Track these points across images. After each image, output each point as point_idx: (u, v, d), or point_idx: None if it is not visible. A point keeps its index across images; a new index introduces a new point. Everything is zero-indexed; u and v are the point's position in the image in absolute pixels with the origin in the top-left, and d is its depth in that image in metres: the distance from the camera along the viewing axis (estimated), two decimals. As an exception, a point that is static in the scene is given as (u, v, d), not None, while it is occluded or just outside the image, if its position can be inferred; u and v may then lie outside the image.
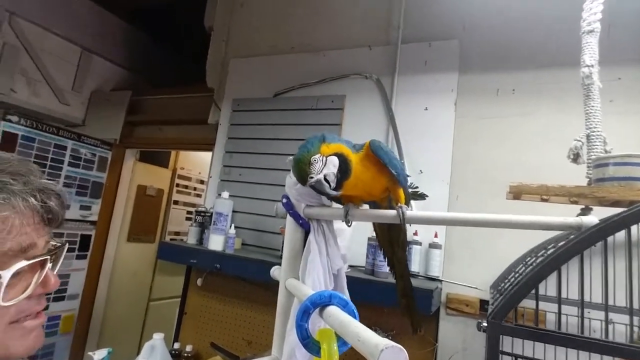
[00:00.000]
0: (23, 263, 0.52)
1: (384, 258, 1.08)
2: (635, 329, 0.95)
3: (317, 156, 0.82)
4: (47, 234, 0.58)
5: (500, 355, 0.73)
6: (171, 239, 3.41)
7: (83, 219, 2.82)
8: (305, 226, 0.98)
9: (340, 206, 0.94)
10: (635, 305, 0.89)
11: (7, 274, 0.50)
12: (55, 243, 0.60)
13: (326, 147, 0.83)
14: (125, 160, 3.17)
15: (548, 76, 1.62)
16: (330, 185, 0.82)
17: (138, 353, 2.61)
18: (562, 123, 1.54)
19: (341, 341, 0.66)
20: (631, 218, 0.69)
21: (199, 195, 3.79)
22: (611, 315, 1.03)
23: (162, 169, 3.52)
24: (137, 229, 3.28)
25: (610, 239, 0.72)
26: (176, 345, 2.02)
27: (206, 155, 3.38)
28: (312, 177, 0.81)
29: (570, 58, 1.28)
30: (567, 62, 1.52)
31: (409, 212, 0.87)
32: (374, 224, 1.12)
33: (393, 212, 0.88)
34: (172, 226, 3.56)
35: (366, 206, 1.00)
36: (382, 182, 0.89)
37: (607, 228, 0.70)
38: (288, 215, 1.00)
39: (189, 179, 3.74)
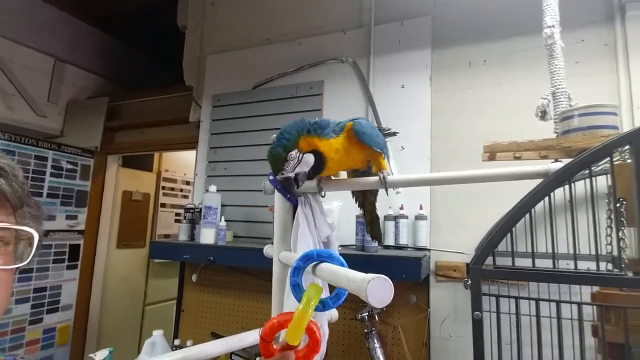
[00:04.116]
0: None
1: (356, 202, 1.18)
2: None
3: (294, 152, 0.82)
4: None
5: (483, 297, 0.78)
6: (162, 242, 3.40)
7: (70, 229, 2.80)
8: (292, 200, 1.02)
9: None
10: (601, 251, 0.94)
11: None
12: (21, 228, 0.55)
13: (304, 142, 0.84)
14: (108, 167, 3.14)
15: (516, 44, 1.68)
16: (298, 184, 0.85)
17: (136, 356, 2.61)
18: (532, 88, 1.60)
19: (331, 297, 0.69)
20: (591, 157, 0.74)
21: (185, 197, 3.79)
22: (582, 265, 1.07)
23: (146, 173, 3.50)
24: (126, 234, 3.26)
25: (578, 193, 0.77)
26: (176, 342, 2.03)
27: (190, 156, 3.37)
28: (282, 174, 0.84)
29: (536, 25, 1.33)
30: (533, 29, 1.58)
31: (389, 177, 0.92)
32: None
33: (375, 178, 0.93)
34: (162, 229, 3.55)
35: (343, 174, 1.04)
36: (363, 157, 0.93)
37: (571, 168, 0.75)
38: (276, 191, 1.03)
39: (174, 181, 3.73)
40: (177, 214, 3.68)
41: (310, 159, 0.84)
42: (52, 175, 2.69)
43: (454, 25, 1.82)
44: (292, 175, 0.83)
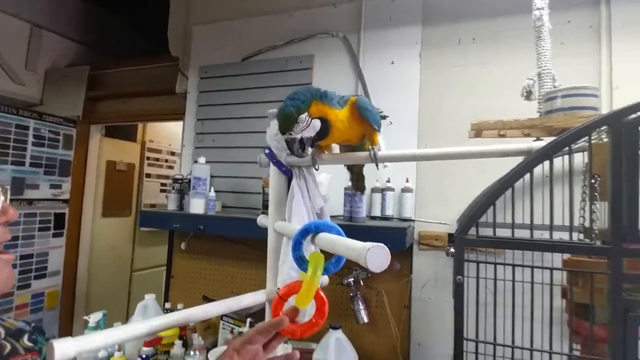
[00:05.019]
0: None
1: (347, 169, 1.24)
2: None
3: (304, 116, 0.85)
4: None
5: (465, 263, 0.85)
6: (148, 212, 3.41)
7: (55, 198, 2.78)
8: (287, 173, 1.05)
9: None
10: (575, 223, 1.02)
11: None
12: None
13: (315, 108, 0.87)
14: (91, 137, 3.08)
15: (505, 23, 1.71)
16: (304, 147, 0.88)
17: (127, 320, 2.67)
18: (518, 68, 1.64)
19: (332, 263, 0.75)
20: (571, 138, 0.80)
21: (170, 167, 3.77)
22: (557, 235, 1.13)
23: (130, 143, 3.46)
24: (111, 204, 3.25)
25: (556, 169, 0.83)
26: (167, 305, 2.10)
27: (175, 127, 3.34)
28: (290, 134, 0.87)
29: (524, 5, 1.37)
30: (521, 9, 1.61)
31: (380, 153, 0.96)
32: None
33: (365, 153, 0.97)
34: (148, 199, 3.55)
35: (336, 148, 1.08)
36: (360, 131, 0.97)
37: (553, 147, 0.80)
38: (271, 164, 1.06)
39: (159, 151, 3.69)
40: (163, 184, 3.67)
41: (317, 124, 0.87)
42: (34, 144, 2.64)
43: (445, 1, 1.83)
44: (298, 137, 0.86)
